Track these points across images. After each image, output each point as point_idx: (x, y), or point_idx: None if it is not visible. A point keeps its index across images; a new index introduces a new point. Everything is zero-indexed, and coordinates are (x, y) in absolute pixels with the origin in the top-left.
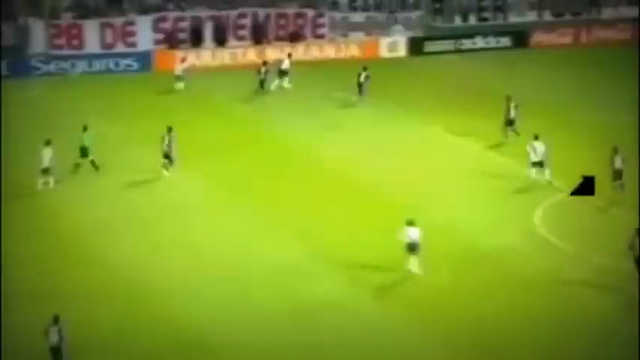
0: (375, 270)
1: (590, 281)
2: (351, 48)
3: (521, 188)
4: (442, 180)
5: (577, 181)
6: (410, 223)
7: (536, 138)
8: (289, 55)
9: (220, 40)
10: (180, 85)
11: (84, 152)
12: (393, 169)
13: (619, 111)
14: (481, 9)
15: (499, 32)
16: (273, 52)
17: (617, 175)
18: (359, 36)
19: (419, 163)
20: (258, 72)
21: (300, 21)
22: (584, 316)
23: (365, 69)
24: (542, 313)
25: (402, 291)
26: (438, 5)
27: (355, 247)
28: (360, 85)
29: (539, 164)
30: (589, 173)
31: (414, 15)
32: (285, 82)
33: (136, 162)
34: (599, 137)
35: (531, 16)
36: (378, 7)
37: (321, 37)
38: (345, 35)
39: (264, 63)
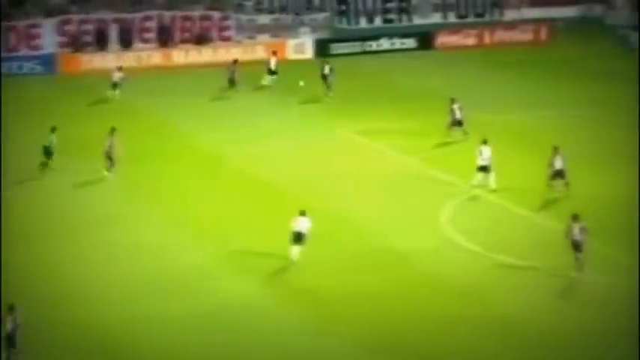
0: (281, 271)
1: (497, 281)
2: (258, 50)
3: (428, 188)
4: (349, 181)
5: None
6: (302, 213)
7: (484, 142)
8: (274, 53)
9: (126, 43)
10: (116, 92)
11: (47, 152)
12: (301, 171)
13: (523, 111)
14: (386, 11)
15: (404, 34)
16: (179, 55)
17: (558, 174)
18: (266, 38)
19: (327, 164)
20: (230, 70)
21: (206, 23)
22: (492, 315)
23: (327, 62)
24: (449, 312)
25: (307, 291)
26: (343, 7)
27: (261, 247)
28: (324, 77)
29: (485, 169)
30: (500, 172)
31: (320, 17)
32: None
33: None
34: (504, 136)
35: (436, 18)
36: (284, 10)
37: (228, 39)
38: (251, 37)
39: (235, 62)
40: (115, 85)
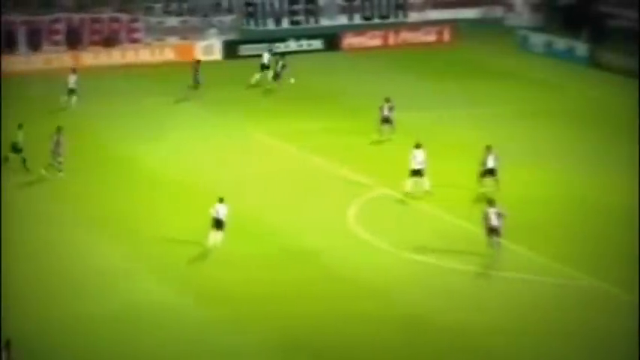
0: (196, 270)
1: (406, 279)
2: (167, 52)
3: (338, 188)
4: (261, 181)
5: (390, 177)
6: (220, 200)
7: (417, 146)
8: (270, 51)
9: (34, 45)
10: (73, 99)
11: (15, 148)
12: (214, 173)
13: (425, 111)
14: (293, 13)
15: (311, 35)
16: (88, 57)
17: (490, 172)
18: (174, 40)
19: (239, 165)
20: (195, 70)
21: (114, 26)
22: (401, 313)
23: (283, 57)
24: (358, 310)
25: (221, 290)
26: (251, 9)
27: (175, 247)
28: (276, 74)
29: (419, 172)
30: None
31: (228, 19)
32: (270, 75)
33: None
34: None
35: (342, 20)
36: (192, 12)
37: (137, 41)
38: (160, 40)
39: (198, 62)
40: (71, 92)
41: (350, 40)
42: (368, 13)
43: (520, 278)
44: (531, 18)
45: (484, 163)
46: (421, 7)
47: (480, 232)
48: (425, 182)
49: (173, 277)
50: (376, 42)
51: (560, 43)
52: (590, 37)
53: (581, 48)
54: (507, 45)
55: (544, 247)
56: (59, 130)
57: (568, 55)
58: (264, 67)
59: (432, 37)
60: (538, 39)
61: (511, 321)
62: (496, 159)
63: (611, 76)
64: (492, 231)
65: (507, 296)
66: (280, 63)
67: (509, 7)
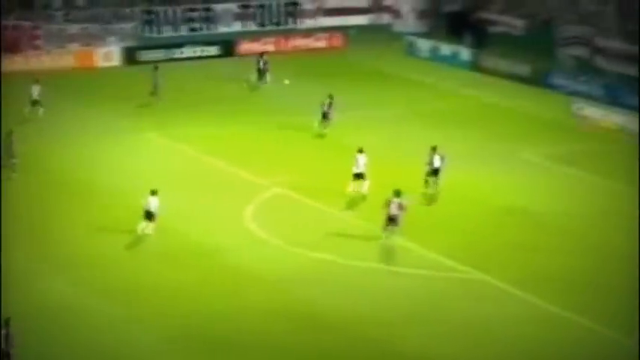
0: (98, 269)
1: (300, 274)
2: (67, 58)
3: (232, 188)
4: (159, 183)
5: (285, 177)
6: (153, 193)
7: (360, 151)
8: (262, 54)
9: None
10: (40, 110)
11: None
12: (115, 175)
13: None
14: (190, 20)
15: (208, 42)
16: None
17: (434, 173)
18: (75, 47)
19: (138, 167)
20: (153, 76)
21: (16, 33)
22: (295, 307)
23: (262, 55)
24: (255, 304)
25: (123, 288)
26: (149, 17)
27: (76, 246)
28: (259, 70)
29: (360, 176)
30: (303, 170)
31: (128, 26)
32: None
33: None
34: (303, 137)
35: (237, 27)
36: (93, 19)
37: (38, 48)
38: (61, 46)
39: (156, 68)
40: (34, 103)
41: (245, 46)
42: (261, 20)
43: (411, 273)
44: (417, 24)
45: (430, 163)
46: (312, 15)
47: (374, 229)
48: (365, 185)
49: (79, 277)
50: (270, 48)
51: (445, 48)
52: (473, 42)
53: (465, 53)
54: (395, 50)
55: (433, 242)
56: (10, 133)
57: (452, 60)
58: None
59: (323, 43)
60: (424, 44)
61: (403, 314)
62: (442, 159)
63: (494, 80)
64: (391, 220)
65: (398, 290)
66: (262, 60)
67: (397, 14)
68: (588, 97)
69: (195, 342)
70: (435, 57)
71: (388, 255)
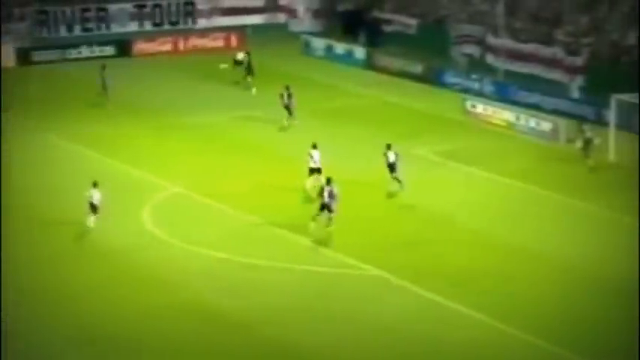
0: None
1: (200, 273)
2: None
3: (131, 189)
4: (52, 183)
5: (184, 177)
6: (94, 185)
7: (314, 147)
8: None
9: None
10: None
11: None
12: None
13: (215, 114)
14: (85, 20)
15: (103, 42)
16: None
17: (391, 168)
18: None
19: (35, 169)
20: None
21: None
22: (194, 307)
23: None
24: (154, 303)
25: (26, 291)
26: (43, 17)
27: None
28: (242, 63)
29: (317, 171)
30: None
31: (22, 26)
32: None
33: None
34: (199, 137)
35: (133, 27)
36: None
37: None
38: None
39: (103, 67)
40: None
41: (141, 47)
42: (158, 20)
43: (312, 271)
44: (313, 24)
45: (387, 160)
46: (209, 14)
47: (271, 227)
48: (322, 179)
49: None
50: (166, 48)
51: (340, 47)
52: (368, 41)
53: (360, 52)
54: (291, 50)
55: (333, 240)
56: None
57: (347, 59)
58: (238, 63)
59: (220, 43)
60: (319, 43)
61: (305, 312)
62: (396, 155)
63: (388, 78)
64: (325, 207)
65: (299, 288)
66: (242, 55)
67: (292, 14)
68: (480, 94)
69: (101, 343)
70: (330, 56)
71: (290, 254)
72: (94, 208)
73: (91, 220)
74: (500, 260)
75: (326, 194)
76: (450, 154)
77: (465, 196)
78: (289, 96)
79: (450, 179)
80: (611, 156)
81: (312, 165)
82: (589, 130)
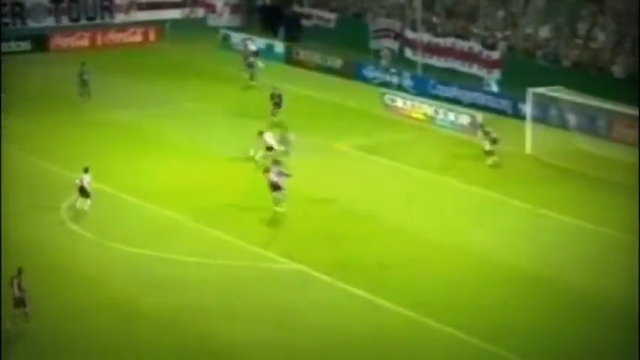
0: None
1: (115, 268)
2: None
3: (48, 184)
4: None
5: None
6: (85, 170)
7: (260, 133)
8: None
9: None
10: None
11: None
12: None
13: (134, 109)
14: (1, 15)
15: (19, 37)
16: None
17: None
18: None
19: None
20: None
21: None
22: (110, 300)
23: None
24: (75, 300)
25: None
26: None
27: None
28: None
29: (270, 149)
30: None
31: None
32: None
33: None
34: (123, 133)
35: (50, 22)
36: None
37: None
38: None
39: (83, 64)
40: None
41: (58, 41)
42: (75, 15)
43: (231, 265)
44: (231, 18)
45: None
46: (127, 9)
47: (191, 223)
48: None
49: None
50: (84, 43)
51: (259, 42)
52: (287, 35)
53: (279, 46)
54: (210, 44)
55: (251, 234)
56: None
57: (267, 53)
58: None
59: (138, 38)
60: (238, 38)
61: (225, 306)
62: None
63: (307, 72)
64: (274, 186)
65: (219, 283)
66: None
67: (211, 8)
68: (399, 88)
69: (20, 343)
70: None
71: (210, 249)
72: (84, 191)
73: (87, 203)
74: (420, 252)
75: (273, 174)
76: (370, 148)
77: (385, 190)
78: (279, 96)
79: (370, 173)
80: (528, 148)
81: (270, 145)
82: (492, 130)
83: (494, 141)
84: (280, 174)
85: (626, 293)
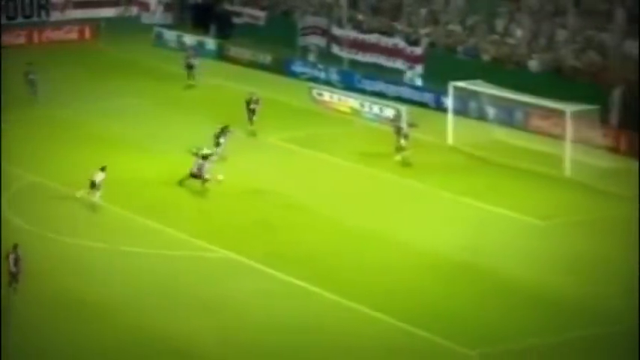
0: None
1: (65, 263)
2: None
3: None
4: None
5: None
6: (102, 169)
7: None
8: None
9: None
10: None
11: None
12: None
13: (70, 106)
14: None
15: None
16: None
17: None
18: None
19: None
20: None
21: None
22: (66, 297)
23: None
24: (27, 297)
25: None
26: None
27: None
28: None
29: (206, 158)
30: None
31: None
32: None
33: None
34: (57, 130)
35: None
36: None
37: None
38: None
39: (30, 64)
40: None
41: None
42: (12, 13)
43: (164, 254)
44: (164, 16)
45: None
46: (63, 7)
47: (125, 213)
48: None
49: None
50: (21, 40)
51: (191, 39)
52: (218, 33)
53: (210, 43)
54: (144, 41)
55: (186, 225)
56: None
57: (199, 50)
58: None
59: (74, 35)
60: (171, 35)
61: (160, 296)
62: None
63: (238, 68)
64: (195, 175)
65: (153, 273)
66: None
67: (144, 7)
68: (326, 83)
69: None
70: (182, 47)
71: (144, 239)
72: (94, 185)
73: (85, 192)
74: (348, 241)
75: (199, 163)
76: (299, 140)
77: (314, 181)
78: (256, 101)
79: (300, 165)
80: (449, 139)
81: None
82: (405, 127)
83: (406, 137)
84: (201, 166)
85: (543, 276)
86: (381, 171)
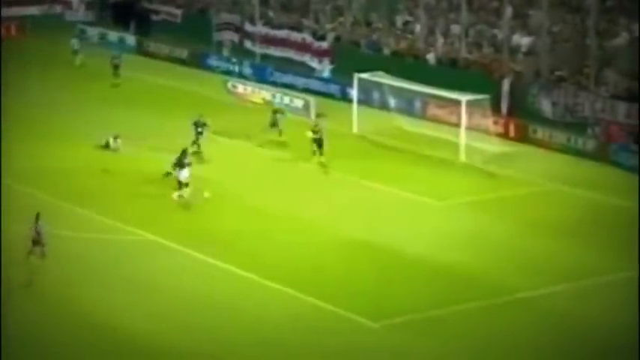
0: None
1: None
2: None
3: None
4: None
5: None
6: (182, 166)
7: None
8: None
9: None
10: None
11: None
12: None
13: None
14: None
15: None
16: None
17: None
18: None
19: None
20: None
21: None
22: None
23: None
24: None
25: None
26: None
27: None
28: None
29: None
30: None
31: None
32: None
33: None
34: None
35: None
36: None
37: None
38: None
39: None
40: None
41: None
42: None
43: (92, 238)
44: (87, 14)
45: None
46: None
47: (54, 200)
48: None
49: None
50: None
51: (112, 35)
52: (137, 29)
53: (131, 39)
54: (68, 38)
55: (108, 209)
56: None
57: (120, 45)
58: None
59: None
60: (94, 32)
61: (83, 277)
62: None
63: (157, 63)
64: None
65: (83, 254)
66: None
67: (68, 5)
68: (240, 76)
69: None
70: (103, 43)
71: (73, 223)
72: (180, 183)
73: (185, 192)
74: (264, 223)
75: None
76: (217, 130)
77: (230, 167)
78: (204, 124)
79: (217, 152)
80: (355, 128)
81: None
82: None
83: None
84: (183, 165)
85: (440, 252)
86: (291, 157)
